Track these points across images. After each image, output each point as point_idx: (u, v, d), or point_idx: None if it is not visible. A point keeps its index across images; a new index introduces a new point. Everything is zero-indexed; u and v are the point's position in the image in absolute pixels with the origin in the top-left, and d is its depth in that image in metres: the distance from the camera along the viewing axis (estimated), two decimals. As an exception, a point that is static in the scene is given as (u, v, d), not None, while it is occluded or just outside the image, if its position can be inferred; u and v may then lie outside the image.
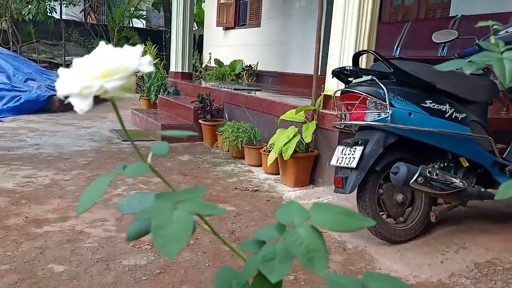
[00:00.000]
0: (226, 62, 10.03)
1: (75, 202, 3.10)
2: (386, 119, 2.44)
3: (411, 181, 2.38)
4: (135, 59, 0.51)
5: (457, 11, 5.43)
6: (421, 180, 2.39)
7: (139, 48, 0.51)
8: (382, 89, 2.44)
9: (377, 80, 2.49)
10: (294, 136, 3.61)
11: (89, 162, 4.22)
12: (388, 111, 2.43)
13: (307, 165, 3.74)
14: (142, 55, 0.52)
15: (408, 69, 2.50)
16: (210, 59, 11.28)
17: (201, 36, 11.95)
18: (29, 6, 10.50)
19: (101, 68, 0.49)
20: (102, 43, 0.54)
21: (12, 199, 3.08)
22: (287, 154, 3.55)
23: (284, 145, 3.60)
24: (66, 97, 0.49)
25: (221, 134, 4.74)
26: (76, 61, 0.52)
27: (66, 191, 3.31)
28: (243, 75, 9.39)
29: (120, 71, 0.49)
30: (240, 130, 4.52)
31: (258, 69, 9.45)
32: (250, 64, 9.52)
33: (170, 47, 8.04)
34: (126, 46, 0.52)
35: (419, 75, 2.47)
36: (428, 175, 2.42)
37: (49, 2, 10.79)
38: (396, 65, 2.49)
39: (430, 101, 2.52)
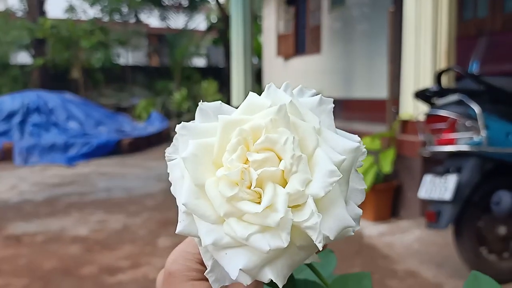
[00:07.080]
0: (288, 92, 9.88)
1: (146, 246, 3.02)
2: (481, 143, 2.15)
3: (519, 212, 2.06)
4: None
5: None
6: (530, 210, 2.06)
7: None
8: (473, 109, 2.17)
9: (465, 100, 2.22)
10: (371, 166, 3.35)
11: (158, 203, 4.17)
12: (482, 133, 2.14)
13: (388, 197, 3.44)
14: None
15: (501, 84, 2.21)
16: (270, 90, 11.21)
17: (259, 70, 12.00)
18: (98, 55, 11.07)
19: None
20: (252, 94, 0.29)
21: (86, 246, 3.05)
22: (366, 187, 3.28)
23: (360, 176, 3.34)
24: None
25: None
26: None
27: (137, 236, 3.24)
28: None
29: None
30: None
31: (320, 96, 9.23)
32: (312, 93, 9.33)
33: (230, 82, 8.09)
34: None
35: (516, 91, 2.18)
36: (538, 204, 2.08)
37: (115, 49, 11.33)
38: (487, 81, 2.22)
39: (531, 119, 2.21)
